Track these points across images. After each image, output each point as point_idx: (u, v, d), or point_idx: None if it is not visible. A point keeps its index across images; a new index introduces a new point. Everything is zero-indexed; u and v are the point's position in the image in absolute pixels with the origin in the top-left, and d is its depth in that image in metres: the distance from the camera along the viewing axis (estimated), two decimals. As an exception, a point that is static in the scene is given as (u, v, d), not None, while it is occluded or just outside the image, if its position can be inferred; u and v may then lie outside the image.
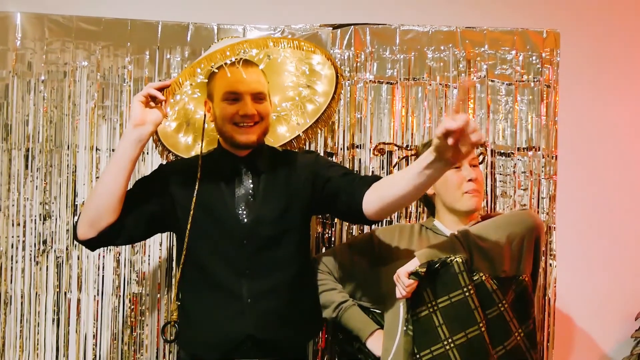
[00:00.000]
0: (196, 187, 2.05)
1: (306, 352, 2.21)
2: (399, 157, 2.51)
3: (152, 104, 1.93)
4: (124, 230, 1.99)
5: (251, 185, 2.08)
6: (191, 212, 2.04)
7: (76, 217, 2.45)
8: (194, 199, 2.04)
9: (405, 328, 1.85)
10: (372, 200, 1.91)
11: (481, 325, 1.78)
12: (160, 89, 1.92)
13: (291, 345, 2.07)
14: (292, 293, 2.06)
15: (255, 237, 2.03)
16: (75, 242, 2.43)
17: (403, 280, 1.84)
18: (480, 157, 2.44)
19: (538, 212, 2.51)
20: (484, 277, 1.81)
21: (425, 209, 2.46)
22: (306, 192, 2.09)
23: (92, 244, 2.00)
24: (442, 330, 1.80)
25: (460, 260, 1.79)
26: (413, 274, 1.80)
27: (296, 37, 2.51)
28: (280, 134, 2.34)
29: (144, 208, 2.03)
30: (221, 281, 2.02)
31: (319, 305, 2.17)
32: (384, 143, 2.51)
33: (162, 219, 2.08)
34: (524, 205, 2.50)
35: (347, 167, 2.50)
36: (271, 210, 2.06)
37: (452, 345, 1.79)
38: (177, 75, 2.48)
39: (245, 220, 2.04)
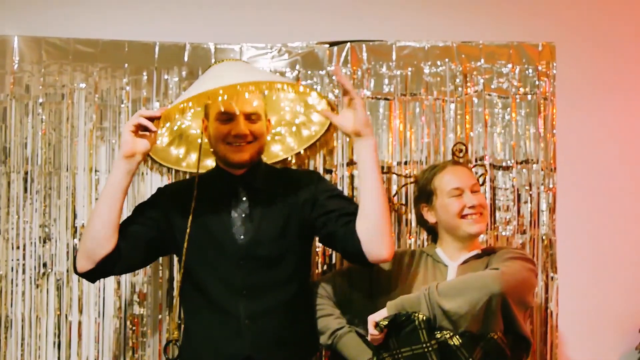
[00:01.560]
0: (192, 207, 2.05)
1: None
2: (398, 186, 2.52)
3: (141, 132, 1.93)
4: (121, 259, 1.99)
5: (247, 205, 2.08)
6: (187, 232, 2.04)
7: (76, 240, 2.45)
8: (190, 219, 2.04)
9: None
10: (361, 235, 1.95)
11: None
12: (150, 118, 1.92)
13: None
14: (289, 313, 2.06)
15: (252, 258, 2.03)
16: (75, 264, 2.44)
17: (369, 329, 1.94)
18: (481, 179, 2.44)
19: (538, 225, 2.52)
20: (447, 335, 1.86)
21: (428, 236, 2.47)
22: (305, 213, 2.08)
23: (91, 275, 2.00)
24: None
25: (423, 318, 1.86)
26: (377, 326, 1.89)
27: (293, 55, 2.52)
28: (274, 153, 2.34)
29: (141, 236, 2.04)
30: (219, 301, 2.02)
31: (317, 326, 2.16)
32: (383, 172, 2.51)
33: (160, 243, 2.09)
34: (523, 219, 2.50)
35: (345, 189, 2.50)
36: (268, 230, 2.05)
37: None
38: (174, 97, 2.49)
39: (242, 240, 2.04)
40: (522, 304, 1.96)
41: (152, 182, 2.49)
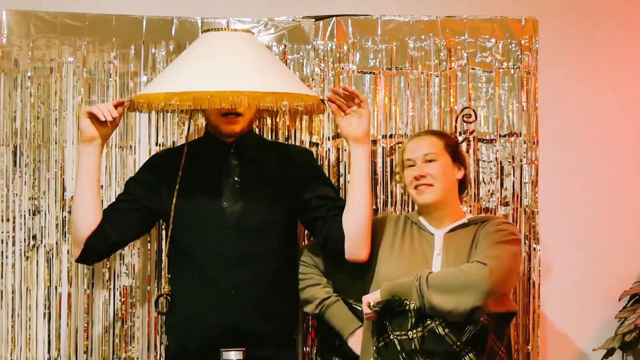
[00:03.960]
0: (180, 173, 2.08)
1: (291, 341, 2.25)
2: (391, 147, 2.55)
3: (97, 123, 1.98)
4: (106, 237, 2.05)
5: (239, 173, 2.10)
6: (174, 200, 2.07)
7: (65, 213, 2.48)
8: (177, 185, 2.07)
9: (373, 355, 1.99)
10: (346, 232, 2.06)
11: None
12: (117, 106, 1.99)
13: (273, 336, 2.11)
14: (275, 285, 2.11)
15: (241, 227, 2.06)
16: (65, 236, 2.47)
17: (363, 308, 2.01)
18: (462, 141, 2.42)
19: (521, 197, 2.56)
20: (436, 323, 1.92)
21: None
22: (297, 190, 2.13)
23: (85, 258, 2.09)
24: (402, 357, 1.93)
25: (414, 307, 1.92)
26: (371, 307, 1.97)
27: (279, 29, 2.55)
28: None
29: (126, 212, 2.10)
30: (205, 271, 2.06)
31: (302, 296, 2.20)
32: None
33: (150, 215, 2.13)
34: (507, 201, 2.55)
35: (331, 162, 2.54)
36: (258, 201, 2.08)
37: None
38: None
39: (232, 209, 2.07)
40: (506, 290, 2.02)
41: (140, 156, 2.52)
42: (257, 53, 2.07)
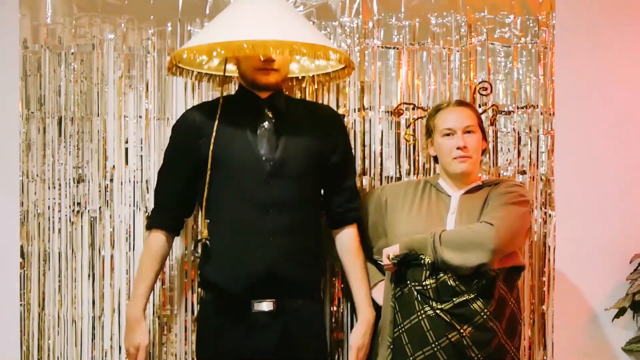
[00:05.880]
0: (215, 125, 2.18)
1: (318, 293, 2.39)
2: (414, 118, 2.67)
3: None
4: (185, 218, 2.30)
5: (274, 124, 2.22)
6: (211, 147, 2.16)
7: (107, 181, 2.64)
8: (214, 134, 2.17)
9: (391, 302, 2.15)
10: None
11: (438, 311, 2.08)
12: None
13: (303, 286, 2.23)
14: (305, 233, 2.22)
15: (279, 176, 2.16)
16: (107, 204, 2.63)
17: (384, 260, 2.17)
18: (485, 119, 2.55)
19: (537, 165, 2.68)
20: (447, 276, 2.08)
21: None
22: (325, 149, 2.27)
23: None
24: (417, 303, 2.10)
25: (428, 261, 2.09)
26: (390, 259, 2.13)
27: (307, 6, 2.67)
28: (290, 69, 2.42)
29: (179, 189, 2.26)
30: (244, 217, 2.16)
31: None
32: (405, 103, 2.67)
33: (198, 172, 2.23)
34: (523, 166, 2.67)
35: (357, 133, 2.67)
36: (294, 151, 2.19)
37: (423, 316, 2.09)
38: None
39: (269, 158, 2.17)
40: (512, 249, 2.16)
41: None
42: (291, 12, 2.23)
